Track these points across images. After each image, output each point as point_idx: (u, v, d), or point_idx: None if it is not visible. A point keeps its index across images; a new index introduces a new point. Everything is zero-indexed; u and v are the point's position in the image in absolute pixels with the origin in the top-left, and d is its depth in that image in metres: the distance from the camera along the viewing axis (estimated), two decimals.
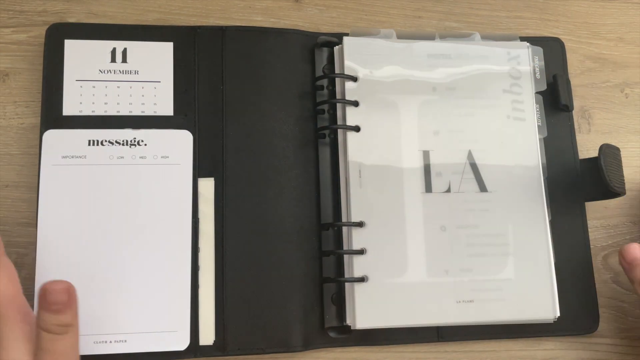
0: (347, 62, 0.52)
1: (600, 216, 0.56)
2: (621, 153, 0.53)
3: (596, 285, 0.53)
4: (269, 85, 0.52)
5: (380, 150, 0.51)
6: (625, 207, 0.56)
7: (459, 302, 0.49)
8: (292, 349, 0.48)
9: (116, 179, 0.48)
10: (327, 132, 0.52)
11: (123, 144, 0.49)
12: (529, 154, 0.53)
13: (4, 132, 0.51)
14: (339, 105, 0.52)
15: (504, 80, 0.54)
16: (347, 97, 0.51)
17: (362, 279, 0.48)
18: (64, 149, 0.48)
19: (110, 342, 0.46)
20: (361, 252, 0.49)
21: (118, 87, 0.51)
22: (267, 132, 0.51)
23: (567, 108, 0.56)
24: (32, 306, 0.45)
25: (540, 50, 0.56)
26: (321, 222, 0.51)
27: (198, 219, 0.49)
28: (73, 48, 0.51)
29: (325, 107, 0.53)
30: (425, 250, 0.49)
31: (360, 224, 0.49)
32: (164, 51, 0.52)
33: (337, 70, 0.53)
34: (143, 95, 0.51)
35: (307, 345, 0.49)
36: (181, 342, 0.46)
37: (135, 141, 0.49)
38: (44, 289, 0.38)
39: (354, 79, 0.52)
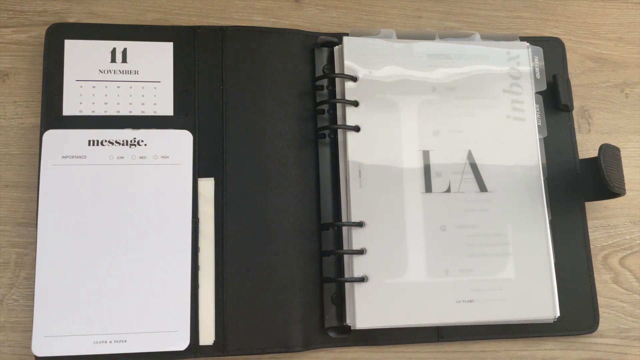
0: (347, 62, 0.52)
1: (600, 216, 0.56)
2: (621, 153, 0.53)
3: (596, 285, 0.53)
4: (269, 85, 0.52)
5: (380, 150, 0.51)
6: (625, 207, 0.56)
7: (459, 302, 0.49)
8: (292, 349, 0.48)
9: (116, 179, 0.48)
10: (327, 132, 0.52)
11: (123, 144, 0.49)
12: (529, 154, 0.53)
13: (4, 132, 0.51)
14: (338, 105, 0.52)
15: (504, 80, 0.54)
16: (347, 97, 0.51)
17: (362, 279, 0.48)
18: (64, 149, 0.48)
19: (110, 342, 0.46)
20: (361, 252, 0.49)
21: (118, 87, 0.51)
22: (267, 132, 0.51)
23: (567, 108, 0.56)
24: (31, 307, 0.46)
25: (540, 50, 0.56)
26: (321, 222, 0.51)
27: (198, 219, 0.49)
28: (73, 48, 0.51)
29: (325, 107, 0.53)
30: (425, 250, 0.49)
31: (360, 224, 0.49)
32: (164, 51, 0.52)
33: (337, 70, 0.53)
34: (143, 95, 0.51)
35: (307, 345, 0.49)
36: (181, 342, 0.46)
37: (135, 141, 0.49)
38: None
39: (354, 79, 0.52)
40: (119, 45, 0.51)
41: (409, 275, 0.49)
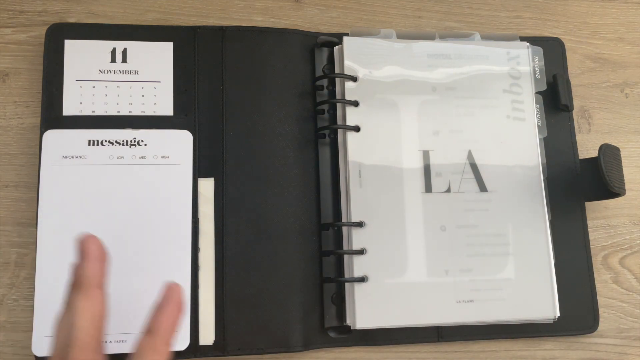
0: (347, 62, 0.52)
1: (600, 216, 0.56)
2: (621, 153, 0.53)
3: (596, 285, 0.53)
4: (269, 85, 0.52)
5: (380, 150, 0.51)
6: (625, 207, 0.56)
7: (459, 302, 0.49)
8: (292, 349, 0.48)
9: (116, 179, 0.48)
10: (327, 132, 0.52)
11: (123, 144, 0.49)
12: (529, 154, 0.53)
13: (4, 132, 0.51)
14: (338, 105, 0.52)
15: (504, 80, 0.54)
16: (347, 97, 0.51)
17: (362, 279, 0.48)
18: (64, 149, 0.48)
19: (110, 342, 0.46)
20: (361, 252, 0.49)
21: (118, 87, 0.51)
22: (267, 132, 0.51)
23: (567, 108, 0.56)
24: (31, 307, 0.45)
25: (540, 50, 0.56)
26: (321, 222, 0.51)
27: (198, 219, 0.49)
28: (73, 48, 0.51)
29: (325, 107, 0.53)
30: (425, 250, 0.49)
31: (360, 224, 0.49)
32: (164, 51, 0.52)
33: (337, 70, 0.53)
34: (143, 95, 0.51)
35: (307, 345, 0.49)
36: (181, 342, 0.46)
37: (135, 141, 0.49)
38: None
39: (354, 79, 0.52)
40: (119, 45, 0.51)
41: (409, 275, 0.49)
